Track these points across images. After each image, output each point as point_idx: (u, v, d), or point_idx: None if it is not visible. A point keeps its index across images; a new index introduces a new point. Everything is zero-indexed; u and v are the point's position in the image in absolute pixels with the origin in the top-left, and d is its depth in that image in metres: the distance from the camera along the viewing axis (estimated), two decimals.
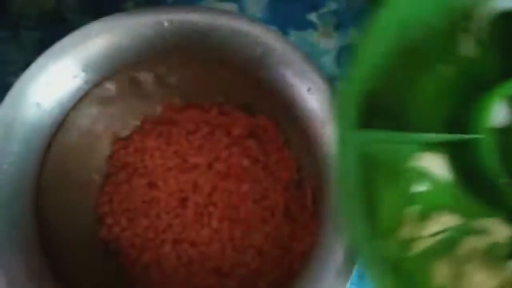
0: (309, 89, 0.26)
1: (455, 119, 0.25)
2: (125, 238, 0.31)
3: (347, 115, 0.21)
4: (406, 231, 0.24)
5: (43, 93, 0.27)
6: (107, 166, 0.32)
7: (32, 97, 0.27)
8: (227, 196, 0.31)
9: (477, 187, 0.25)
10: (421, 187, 0.25)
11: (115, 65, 0.28)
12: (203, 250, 0.31)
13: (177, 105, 0.32)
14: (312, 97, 0.26)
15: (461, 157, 0.25)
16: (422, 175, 0.25)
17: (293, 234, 0.30)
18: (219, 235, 0.31)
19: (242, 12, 0.37)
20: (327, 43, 0.37)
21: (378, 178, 0.22)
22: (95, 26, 0.27)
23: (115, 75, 0.30)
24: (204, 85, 0.31)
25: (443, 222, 0.24)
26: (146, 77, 0.31)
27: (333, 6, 0.37)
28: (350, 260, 0.24)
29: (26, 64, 0.27)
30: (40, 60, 0.26)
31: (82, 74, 0.28)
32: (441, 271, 0.24)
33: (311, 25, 0.37)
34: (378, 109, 0.23)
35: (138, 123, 0.33)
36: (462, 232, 0.24)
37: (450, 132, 0.25)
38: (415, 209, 0.24)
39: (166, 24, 0.27)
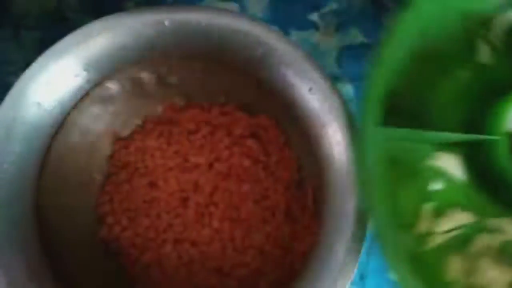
0: (310, 89, 0.26)
1: (471, 121, 0.26)
2: (126, 238, 0.31)
3: (372, 113, 0.22)
4: (422, 226, 0.25)
5: (44, 93, 0.27)
6: (107, 165, 0.32)
7: (32, 97, 0.27)
8: (228, 196, 0.31)
9: (491, 187, 0.26)
10: (437, 186, 0.26)
11: (116, 64, 0.28)
12: (204, 250, 0.31)
13: (178, 105, 0.32)
14: (313, 97, 0.26)
15: (475, 158, 0.26)
16: (439, 174, 0.26)
17: (294, 234, 0.30)
18: (220, 235, 0.31)
19: (243, 11, 0.37)
20: (328, 43, 0.37)
21: (397, 174, 0.23)
22: (96, 26, 0.27)
23: (116, 75, 0.30)
24: (205, 85, 0.31)
25: (457, 219, 0.26)
26: (147, 77, 0.31)
27: (334, 6, 0.37)
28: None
29: (27, 64, 0.27)
30: (41, 59, 0.26)
31: (83, 74, 0.28)
32: (455, 266, 0.25)
33: (312, 25, 0.37)
34: (399, 108, 0.24)
35: (139, 122, 0.32)
36: (476, 230, 0.26)
37: (466, 141, 0.26)
38: (430, 206, 0.26)
39: (167, 23, 0.27)
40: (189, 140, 0.32)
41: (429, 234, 0.26)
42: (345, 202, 0.25)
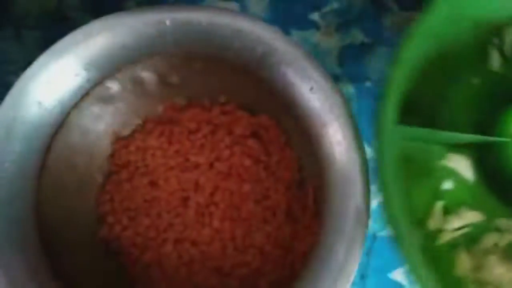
0: (311, 88, 0.26)
1: (481, 125, 0.27)
2: (126, 237, 0.31)
3: (389, 111, 0.24)
4: (433, 223, 0.27)
5: (44, 92, 0.27)
6: (108, 165, 0.32)
7: (33, 96, 0.27)
8: (228, 195, 0.31)
9: (500, 189, 0.28)
10: (448, 185, 0.28)
11: (116, 64, 0.28)
12: (204, 250, 0.31)
13: (179, 104, 0.32)
14: (314, 96, 0.26)
15: (484, 160, 0.28)
16: (451, 174, 0.28)
17: (295, 234, 0.30)
18: (220, 234, 0.31)
19: (243, 11, 0.37)
20: (329, 43, 0.37)
21: (411, 173, 0.24)
22: (96, 25, 0.27)
23: (116, 74, 0.30)
24: (206, 84, 0.31)
25: (466, 218, 0.27)
26: (147, 76, 0.31)
27: (335, 5, 0.37)
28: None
29: (27, 63, 0.27)
30: (41, 58, 0.26)
31: (84, 73, 0.28)
32: (463, 262, 0.27)
33: (313, 24, 0.37)
34: (414, 109, 0.25)
35: (139, 122, 0.32)
36: (484, 229, 0.27)
37: (478, 142, 0.27)
38: (441, 204, 0.27)
39: (167, 23, 0.27)
40: (189, 140, 0.32)
41: (439, 231, 0.27)
42: (345, 202, 0.25)
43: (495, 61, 0.28)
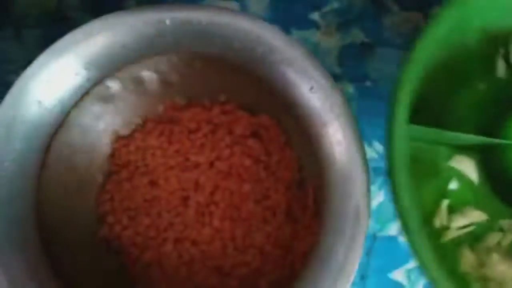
0: (311, 88, 0.26)
1: (486, 129, 0.28)
2: (126, 237, 0.31)
3: (401, 110, 0.24)
4: (438, 221, 0.28)
5: (44, 91, 0.27)
6: (108, 164, 0.32)
7: (33, 95, 0.27)
8: (228, 195, 0.31)
9: (503, 191, 0.29)
10: (454, 185, 0.29)
11: (116, 63, 0.28)
12: (204, 249, 0.31)
13: (179, 104, 0.32)
14: (314, 96, 0.26)
15: (488, 163, 0.29)
16: (457, 174, 0.29)
17: (295, 234, 0.30)
18: (220, 234, 0.31)
19: (244, 11, 0.37)
20: (329, 43, 0.37)
21: (418, 172, 0.25)
22: (96, 24, 0.27)
23: (116, 74, 0.30)
24: (206, 84, 0.31)
25: (470, 217, 0.28)
26: (148, 76, 0.31)
27: (335, 5, 0.37)
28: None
29: (28, 63, 0.27)
30: (41, 57, 0.26)
31: (84, 72, 0.28)
32: (467, 259, 0.28)
33: (313, 24, 0.37)
34: (421, 110, 0.26)
35: (139, 121, 0.32)
36: (487, 229, 0.29)
37: (483, 144, 0.28)
38: (446, 203, 0.29)
39: (167, 22, 0.27)
40: (190, 139, 0.32)
41: (444, 228, 0.28)
42: (345, 202, 0.25)
43: (500, 69, 0.30)
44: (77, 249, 0.30)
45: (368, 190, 0.25)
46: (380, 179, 0.36)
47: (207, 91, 0.32)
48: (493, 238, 0.28)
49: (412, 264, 0.35)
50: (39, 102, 0.27)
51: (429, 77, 0.27)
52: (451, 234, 0.28)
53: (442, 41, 0.26)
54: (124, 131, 0.32)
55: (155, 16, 0.27)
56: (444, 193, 0.29)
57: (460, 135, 0.28)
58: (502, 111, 0.29)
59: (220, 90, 0.32)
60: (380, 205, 0.35)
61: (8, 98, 0.26)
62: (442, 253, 0.26)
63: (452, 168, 0.30)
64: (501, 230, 0.29)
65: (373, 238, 0.35)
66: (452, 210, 0.29)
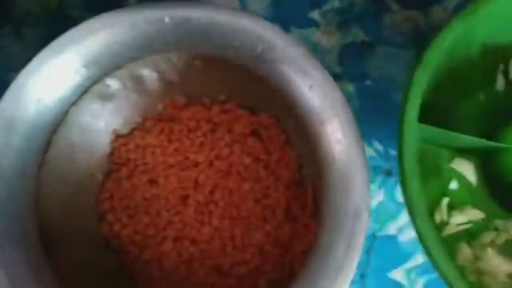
0: (310, 86, 0.26)
1: (485, 137, 0.30)
2: (126, 235, 0.31)
3: (412, 108, 0.26)
4: (439, 217, 0.30)
5: (44, 89, 0.27)
6: (108, 163, 0.32)
7: (32, 93, 0.27)
8: (228, 194, 0.31)
9: (500, 193, 0.31)
10: (454, 185, 0.31)
11: (116, 61, 0.28)
12: (204, 248, 0.31)
13: (179, 102, 0.32)
14: (314, 95, 0.26)
15: (487, 167, 0.31)
16: (457, 176, 0.31)
17: (294, 233, 0.30)
18: (219, 233, 0.31)
19: (243, 9, 0.37)
20: (329, 42, 0.37)
21: (422, 171, 0.26)
22: (96, 22, 0.26)
23: (116, 72, 0.30)
24: (205, 82, 0.31)
25: (468, 215, 0.30)
26: (147, 74, 0.31)
27: (336, 4, 0.37)
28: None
29: (28, 61, 0.27)
30: (41, 55, 0.26)
31: (83, 70, 0.28)
32: (464, 253, 0.29)
33: (313, 23, 0.37)
34: (426, 116, 0.28)
35: (139, 120, 0.32)
36: (483, 227, 0.30)
37: (483, 148, 0.30)
38: (446, 200, 0.30)
39: (167, 20, 0.27)
40: (189, 138, 0.32)
41: (444, 224, 0.30)
42: (344, 201, 0.25)
43: (500, 83, 0.32)
44: (77, 247, 0.30)
45: (368, 189, 0.25)
46: (379, 178, 0.36)
47: (207, 90, 0.32)
48: (488, 236, 0.30)
49: (411, 263, 0.35)
50: (39, 100, 0.27)
51: (435, 85, 0.29)
52: (450, 230, 0.30)
53: (448, 51, 0.27)
54: (124, 130, 0.32)
55: (155, 14, 0.27)
56: (445, 192, 0.31)
57: (463, 136, 0.29)
58: (500, 121, 0.31)
59: (219, 89, 0.32)
60: (380, 204, 0.35)
61: (8, 95, 0.26)
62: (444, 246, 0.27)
63: (453, 170, 0.31)
64: (496, 229, 0.31)
65: (372, 237, 0.35)
66: (451, 208, 0.30)
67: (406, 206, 0.26)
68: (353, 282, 0.33)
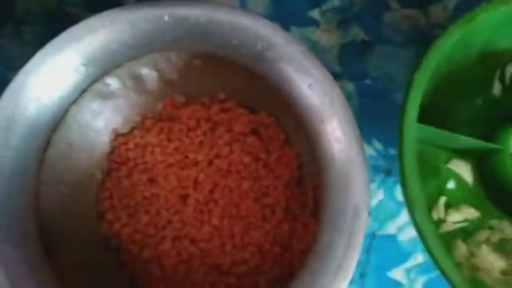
0: (310, 85, 0.26)
1: (482, 140, 0.31)
2: (126, 234, 0.31)
3: (412, 108, 0.27)
4: (436, 214, 0.31)
5: (43, 87, 0.27)
6: (107, 162, 0.32)
7: (32, 91, 0.27)
8: (227, 193, 0.31)
9: (494, 194, 0.32)
10: (451, 185, 0.32)
11: (115, 59, 0.28)
12: (203, 247, 0.31)
13: (178, 101, 0.32)
14: (313, 93, 0.26)
15: (483, 168, 0.32)
16: (454, 176, 0.32)
17: (294, 232, 0.30)
18: (219, 232, 0.31)
19: (243, 7, 0.37)
20: (329, 41, 0.37)
21: (421, 171, 0.27)
22: (95, 20, 0.26)
23: (115, 71, 0.30)
24: (205, 81, 0.31)
25: (464, 213, 0.31)
26: (147, 73, 0.31)
27: (336, 2, 0.37)
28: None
29: (28, 60, 0.27)
30: (40, 53, 0.26)
31: (82, 69, 0.28)
32: (460, 250, 0.30)
33: (313, 22, 0.37)
34: (427, 116, 0.29)
35: (139, 119, 0.32)
36: (478, 226, 0.32)
37: (479, 149, 0.31)
38: (443, 199, 0.31)
39: (166, 18, 0.27)
40: (189, 137, 0.32)
41: (441, 221, 0.31)
42: (344, 199, 0.25)
43: (496, 89, 0.33)
44: (76, 246, 0.30)
45: (367, 188, 0.25)
46: (379, 178, 0.36)
47: (206, 89, 0.32)
48: (483, 235, 0.31)
49: (411, 262, 0.35)
50: (38, 98, 0.27)
51: (434, 88, 0.30)
52: (447, 227, 0.31)
53: (447, 55, 0.28)
54: (124, 129, 0.32)
55: (154, 13, 0.27)
56: (442, 191, 0.32)
57: (460, 137, 0.30)
58: (496, 125, 0.32)
59: (219, 88, 0.32)
60: (380, 203, 0.35)
61: (7, 94, 0.26)
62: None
63: (450, 170, 0.32)
64: (491, 228, 0.32)
65: (372, 236, 0.35)
66: (448, 206, 0.31)
67: (404, 197, 0.27)
68: (352, 281, 0.33)
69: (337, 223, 0.25)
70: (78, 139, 0.30)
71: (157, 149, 0.32)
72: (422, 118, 0.28)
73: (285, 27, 0.36)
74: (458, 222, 0.31)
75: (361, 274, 0.34)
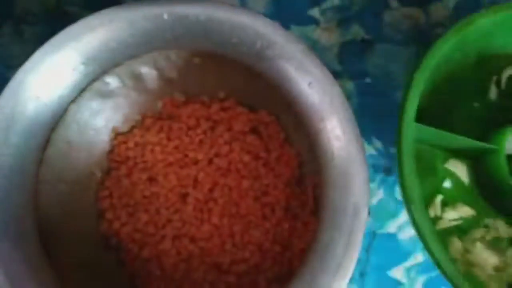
0: (310, 83, 0.26)
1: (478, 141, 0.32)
2: (125, 233, 0.31)
3: (410, 108, 0.28)
4: (433, 212, 0.32)
5: (42, 86, 0.27)
6: (107, 161, 0.32)
7: (31, 90, 0.26)
8: (227, 192, 0.31)
9: (488, 194, 0.33)
10: (447, 184, 0.33)
11: (115, 58, 0.28)
12: (203, 246, 0.31)
13: (178, 100, 0.32)
14: (313, 91, 0.26)
15: (478, 169, 0.33)
16: (451, 175, 0.33)
17: (294, 230, 0.30)
18: (219, 231, 0.31)
19: (243, 6, 0.37)
20: (329, 39, 0.37)
21: (419, 169, 0.28)
22: (94, 19, 0.26)
23: (115, 69, 0.30)
24: (205, 80, 0.31)
25: (460, 211, 0.32)
26: (147, 72, 0.31)
27: (336, 1, 0.37)
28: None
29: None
30: (39, 52, 0.26)
31: (82, 67, 0.28)
32: (455, 246, 0.32)
33: (313, 20, 0.37)
34: (425, 117, 0.30)
35: (138, 117, 0.32)
36: (473, 224, 0.33)
37: (474, 149, 0.32)
38: (440, 197, 0.32)
39: (165, 17, 0.27)
40: (188, 136, 0.32)
41: (437, 218, 0.32)
42: (343, 198, 0.25)
43: (492, 93, 0.34)
44: (76, 246, 0.29)
45: (367, 186, 0.25)
46: (379, 177, 0.36)
47: (206, 88, 0.32)
48: (478, 233, 0.32)
49: (411, 261, 0.35)
50: (37, 97, 0.27)
51: (433, 90, 0.32)
52: (443, 224, 0.32)
53: (446, 56, 0.29)
54: (123, 128, 0.32)
55: (154, 11, 0.27)
56: (439, 190, 0.33)
57: (457, 137, 0.31)
58: (492, 128, 0.33)
59: (219, 86, 0.32)
60: (380, 202, 0.35)
61: (6, 93, 0.26)
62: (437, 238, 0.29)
63: (447, 169, 0.33)
64: (486, 227, 0.33)
65: (372, 235, 0.35)
66: (445, 205, 0.33)
67: (402, 194, 0.27)
68: (352, 280, 0.33)
69: (337, 222, 0.25)
70: (78, 138, 0.30)
71: (157, 148, 0.32)
72: (421, 118, 0.29)
73: (285, 26, 0.36)
74: (454, 220, 0.32)
75: (361, 273, 0.34)
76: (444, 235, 0.32)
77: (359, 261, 0.25)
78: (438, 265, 0.27)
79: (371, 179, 0.35)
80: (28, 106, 0.27)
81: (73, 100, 0.29)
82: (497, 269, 0.31)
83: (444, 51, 0.29)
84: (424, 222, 0.27)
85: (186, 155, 0.32)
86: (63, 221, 0.29)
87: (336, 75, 0.36)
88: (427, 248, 0.27)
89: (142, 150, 0.32)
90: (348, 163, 0.25)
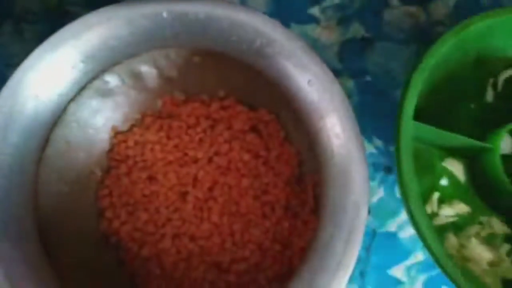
0: (309, 81, 0.26)
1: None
2: (125, 232, 0.31)
3: (408, 107, 0.29)
4: (430, 208, 0.33)
5: (41, 84, 0.27)
6: (107, 159, 0.32)
7: (30, 89, 0.26)
8: (227, 190, 0.31)
9: (484, 192, 0.34)
10: (444, 182, 0.34)
11: (114, 56, 0.28)
12: (203, 245, 0.31)
13: (178, 99, 0.32)
14: (313, 89, 0.26)
15: (474, 167, 0.34)
16: (447, 173, 0.34)
17: (294, 229, 0.30)
18: (219, 229, 0.31)
19: (242, 4, 0.37)
20: (329, 38, 0.37)
21: (417, 167, 0.29)
22: (93, 17, 0.26)
23: (114, 68, 0.30)
24: (204, 79, 0.31)
25: (456, 208, 0.33)
26: (146, 71, 0.31)
27: (336, 0, 0.37)
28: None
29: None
30: (38, 50, 0.26)
31: (81, 65, 0.28)
32: (451, 242, 0.32)
33: (313, 19, 0.37)
34: (423, 117, 0.30)
35: (138, 116, 0.32)
36: (469, 221, 0.33)
37: (471, 148, 0.33)
38: (437, 194, 0.33)
39: (165, 15, 0.26)
40: (188, 134, 0.32)
41: (434, 215, 0.33)
42: (343, 196, 0.25)
43: (489, 95, 0.35)
44: (76, 243, 0.29)
45: (367, 184, 0.25)
46: (379, 175, 0.35)
47: (205, 86, 0.32)
48: (473, 230, 0.33)
49: (411, 260, 0.35)
50: (36, 96, 0.27)
51: (431, 90, 0.32)
52: (440, 221, 0.33)
53: (444, 57, 0.30)
54: (123, 126, 0.32)
55: (152, 9, 0.27)
56: (436, 187, 0.34)
57: (454, 136, 0.32)
58: (488, 129, 0.34)
59: (218, 85, 0.32)
60: (380, 201, 0.35)
61: (5, 91, 0.26)
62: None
63: (444, 168, 0.34)
64: (481, 223, 0.34)
65: (372, 234, 0.35)
66: (441, 202, 0.33)
67: (401, 191, 0.28)
68: (353, 279, 0.33)
69: (337, 220, 0.25)
70: (77, 137, 0.30)
71: (157, 147, 0.32)
72: (419, 117, 0.29)
73: (285, 24, 0.36)
74: (450, 217, 0.33)
75: (361, 272, 0.34)
76: (440, 231, 0.32)
77: (359, 260, 0.25)
78: (436, 259, 0.27)
79: (371, 178, 0.35)
80: (27, 105, 0.27)
81: (73, 99, 0.29)
82: (491, 264, 0.32)
83: (442, 51, 0.29)
84: (422, 218, 0.28)
85: (186, 154, 0.32)
86: (63, 220, 0.29)
87: (336, 73, 0.35)
88: (425, 243, 0.27)
89: (141, 149, 0.32)
90: (348, 161, 0.25)
